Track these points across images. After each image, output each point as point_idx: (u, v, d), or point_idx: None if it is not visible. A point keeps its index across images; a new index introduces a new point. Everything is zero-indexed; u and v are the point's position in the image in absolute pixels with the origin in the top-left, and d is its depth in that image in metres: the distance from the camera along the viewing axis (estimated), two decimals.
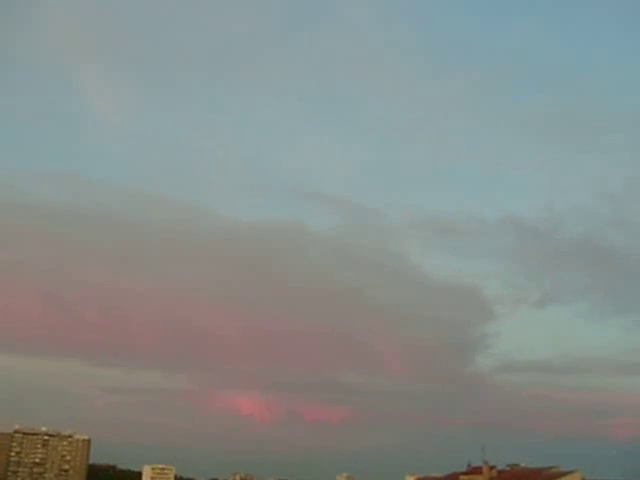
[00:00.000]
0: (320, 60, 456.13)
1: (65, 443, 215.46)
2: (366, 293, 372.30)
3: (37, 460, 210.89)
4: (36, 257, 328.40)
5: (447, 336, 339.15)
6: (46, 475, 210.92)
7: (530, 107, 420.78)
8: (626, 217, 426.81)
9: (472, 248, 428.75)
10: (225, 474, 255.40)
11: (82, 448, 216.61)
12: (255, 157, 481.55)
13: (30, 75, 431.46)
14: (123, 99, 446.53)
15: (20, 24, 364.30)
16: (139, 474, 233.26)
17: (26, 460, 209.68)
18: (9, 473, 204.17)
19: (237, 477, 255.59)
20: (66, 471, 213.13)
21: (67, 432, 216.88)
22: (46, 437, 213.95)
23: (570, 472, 79.44)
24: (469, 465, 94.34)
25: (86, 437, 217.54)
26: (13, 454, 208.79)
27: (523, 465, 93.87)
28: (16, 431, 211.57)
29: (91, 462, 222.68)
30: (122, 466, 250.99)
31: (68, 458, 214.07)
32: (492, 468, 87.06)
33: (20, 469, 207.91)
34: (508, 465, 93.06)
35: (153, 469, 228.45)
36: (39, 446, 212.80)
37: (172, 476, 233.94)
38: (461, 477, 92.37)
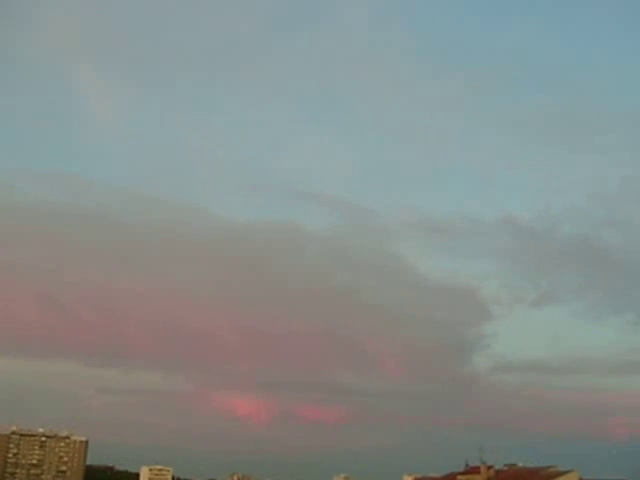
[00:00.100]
0: (318, 61, 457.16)
1: (62, 444, 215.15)
2: (363, 293, 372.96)
3: (34, 461, 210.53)
4: (34, 258, 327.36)
5: (444, 336, 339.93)
6: (43, 476, 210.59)
7: (526, 108, 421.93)
8: (622, 217, 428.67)
9: (469, 248, 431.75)
10: (223, 475, 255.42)
11: (79, 449, 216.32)
12: (253, 157, 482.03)
13: (28, 75, 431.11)
14: (120, 99, 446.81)
15: (20, 24, 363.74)
16: (137, 475, 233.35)
17: (23, 461, 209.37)
18: (6, 474, 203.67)
19: (235, 478, 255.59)
20: (63, 472, 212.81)
21: (64, 433, 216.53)
22: (43, 438, 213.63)
23: (567, 472, 79.93)
24: (467, 465, 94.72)
25: (83, 438, 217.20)
26: (10, 455, 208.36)
27: (521, 465, 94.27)
28: (13, 432, 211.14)
29: (88, 463, 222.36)
30: (120, 467, 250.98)
31: (65, 459, 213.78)
32: (490, 468, 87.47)
33: (17, 470, 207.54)
34: (506, 465, 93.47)
35: (151, 470, 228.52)
36: (36, 447, 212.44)
37: (170, 477, 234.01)
38: (459, 477, 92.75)
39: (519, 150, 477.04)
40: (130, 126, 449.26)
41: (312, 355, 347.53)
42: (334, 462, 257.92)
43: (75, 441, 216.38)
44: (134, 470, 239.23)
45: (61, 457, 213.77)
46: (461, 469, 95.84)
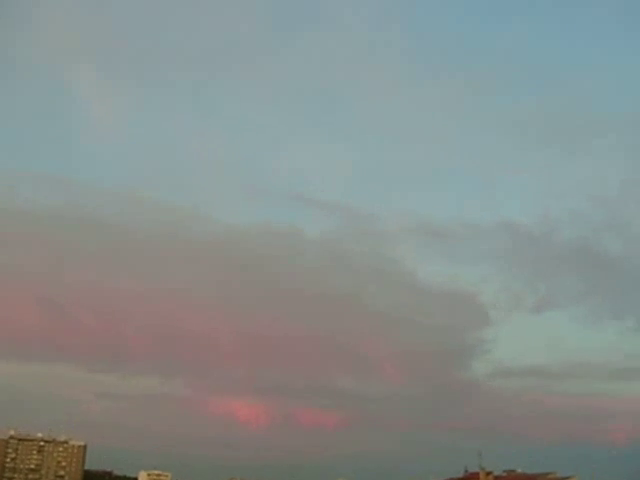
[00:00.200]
0: (317, 62, 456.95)
1: (61, 449, 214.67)
2: (362, 298, 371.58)
3: (32, 466, 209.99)
4: (33, 260, 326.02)
5: (443, 341, 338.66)
6: None
7: (526, 109, 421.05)
8: (622, 221, 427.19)
9: (468, 253, 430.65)
10: (221, 479, 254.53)
11: (78, 454, 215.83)
12: (251, 160, 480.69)
13: (28, 76, 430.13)
14: (120, 101, 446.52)
15: (20, 24, 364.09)
16: None
17: (21, 466, 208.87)
18: (4, 479, 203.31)
19: None
20: (62, 477, 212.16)
21: (63, 438, 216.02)
22: (42, 443, 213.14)
23: (567, 478, 79.92)
24: (466, 471, 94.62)
25: (82, 443, 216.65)
26: (8, 460, 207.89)
27: (520, 471, 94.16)
28: (11, 437, 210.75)
29: (87, 468, 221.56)
30: (118, 472, 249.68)
31: (64, 464, 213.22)
32: (489, 474, 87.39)
33: (15, 475, 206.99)
34: (505, 471, 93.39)
35: (149, 475, 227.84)
36: (34, 452, 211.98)
37: None
38: None
39: (518, 153, 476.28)
40: (130, 128, 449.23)
41: (311, 359, 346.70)
42: (333, 466, 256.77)
43: (73, 446, 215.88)
44: (132, 475, 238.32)
45: (59, 462, 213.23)
46: (460, 475, 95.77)
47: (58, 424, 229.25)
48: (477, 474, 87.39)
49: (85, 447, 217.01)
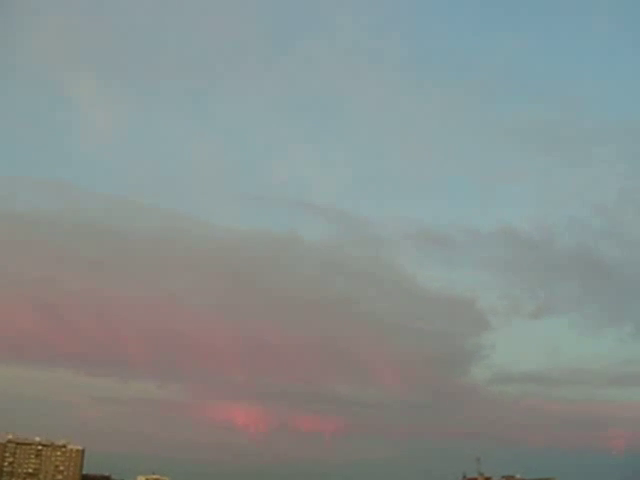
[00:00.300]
0: (316, 70, 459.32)
1: (59, 453, 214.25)
2: (360, 304, 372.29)
3: (30, 470, 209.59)
4: (32, 266, 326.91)
5: (442, 347, 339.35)
6: None
7: (526, 119, 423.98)
8: (620, 228, 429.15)
9: (466, 259, 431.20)
10: None
11: (76, 458, 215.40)
12: (250, 167, 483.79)
13: (28, 83, 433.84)
14: (120, 108, 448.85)
15: (20, 33, 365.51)
16: None
17: (19, 470, 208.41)
18: None
19: None
20: None
21: (61, 442, 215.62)
22: (39, 447, 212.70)
23: None
24: (464, 476, 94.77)
25: (80, 447, 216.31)
26: (6, 464, 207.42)
27: (518, 476, 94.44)
28: (9, 441, 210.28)
29: (85, 472, 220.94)
30: (116, 476, 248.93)
31: (62, 468, 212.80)
32: (487, 479, 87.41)
33: (13, 479, 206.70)
34: (503, 476, 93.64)
35: (147, 479, 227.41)
36: (32, 456, 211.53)
37: None
38: None
39: (518, 161, 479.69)
40: (129, 134, 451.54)
41: (309, 366, 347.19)
42: (332, 472, 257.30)
43: (71, 450, 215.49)
44: (130, 479, 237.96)
45: (57, 466, 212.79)
46: None
47: (56, 428, 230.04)
48: None
49: (83, 451, 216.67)
